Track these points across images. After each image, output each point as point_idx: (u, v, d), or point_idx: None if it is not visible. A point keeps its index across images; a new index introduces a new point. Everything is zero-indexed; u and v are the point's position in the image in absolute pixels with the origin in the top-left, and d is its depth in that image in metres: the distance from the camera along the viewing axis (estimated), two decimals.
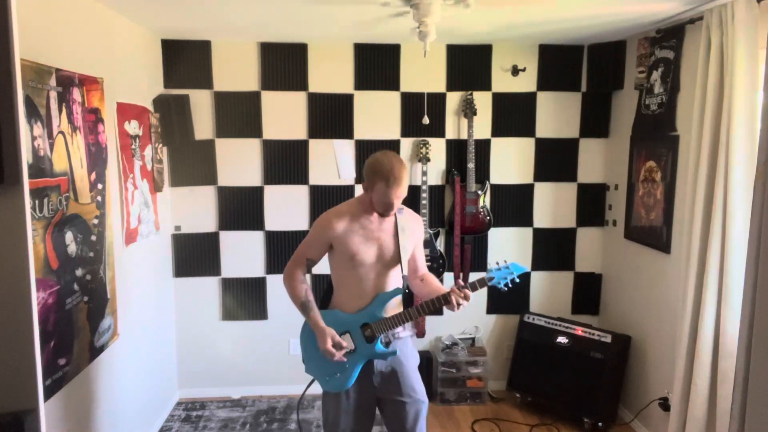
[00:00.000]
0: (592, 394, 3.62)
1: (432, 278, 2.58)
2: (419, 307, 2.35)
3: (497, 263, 2.40)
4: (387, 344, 2.42)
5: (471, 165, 3.93)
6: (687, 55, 3.15)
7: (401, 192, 2.28)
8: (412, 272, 2.57)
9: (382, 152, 2.37)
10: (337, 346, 2.34)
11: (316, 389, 2.65)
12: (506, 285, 2.37)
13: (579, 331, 3.78)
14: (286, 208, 4.01)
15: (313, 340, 2.42)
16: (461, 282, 2.32)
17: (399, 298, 2.46)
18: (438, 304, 2.33)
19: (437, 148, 4.01)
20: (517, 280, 2.37)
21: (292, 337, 4.10)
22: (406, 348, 2.50)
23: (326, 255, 2.49)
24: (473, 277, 4.06)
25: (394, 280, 2.45)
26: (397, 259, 2.41)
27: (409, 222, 2.49)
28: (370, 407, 2.50)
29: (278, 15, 3.09)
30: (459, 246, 4.00)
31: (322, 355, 2.37)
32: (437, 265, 3.96)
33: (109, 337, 2.89)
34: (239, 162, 3.94)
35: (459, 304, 2.28)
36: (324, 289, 2.59)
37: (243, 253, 4.03)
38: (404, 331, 2.48)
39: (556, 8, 2.96)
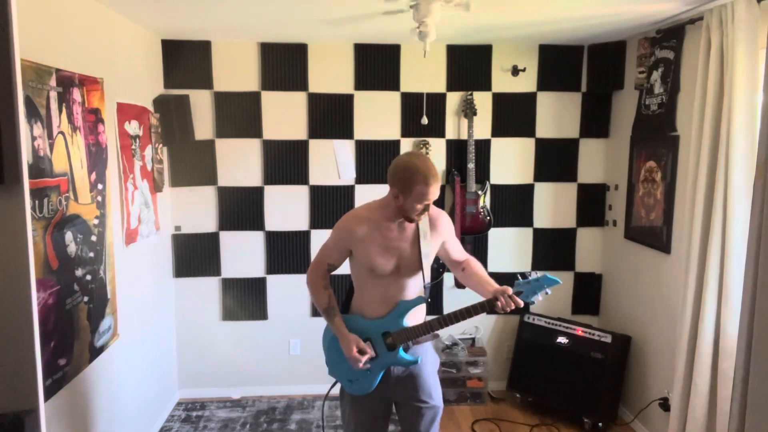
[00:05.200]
0: (592, 395, 3.62)
1: (476, 266, 2.44)
2: (441, 319, 2.27)
3: (527, 275, 2.20)
4: (407, 350, 2.38)
5: (471, 165, 3.93)
6: (687, 56, 3.15)
7: (438, 190, 2.19)
8: (453, 264, 2.50)
9: (407, 154, 2.29)
10: (362, 351, 2.31)
11: (320, 390, 2.65)
12: (536, 299, 2.19)
13: (579, 331, 3.78)
14: (286, 208, 4.01)
15: (336, 344, 2.40)
16: (509, 290, 2.18)
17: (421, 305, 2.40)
18: (469, 314, 2.22)
19: (437, 149, 4.01)
20: (548, 293, 2.19)
21: (292, 338, 4.11)
22: (426, 353, 2.46)
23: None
24: None
25: (416, 288, 2.39)
26: (417, 267, 2.33)
27: (432, 223, 2.36)
28: (386, 410, 2.50)
29: (278, 15, 3.10)
30: None
31: (347, 361, 2.36)
32: (437, 265, 3.96)
33: (109, 338, 2.89)
34: (239, 162, 3.94)
35: (505, 309, 2.16)
36: (346, 290, 2.56)
37: (243, 254, 4.03)
38: (425, 336, 2.42)
39: (556, 8, 2.96)
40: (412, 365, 2.38)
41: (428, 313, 2.51)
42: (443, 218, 2.43)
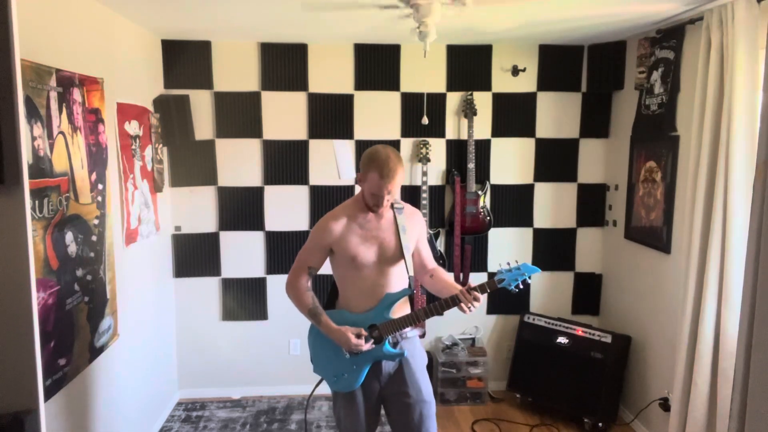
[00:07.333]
0: (592, 395, 3.62)
1: (442, 273, 2.51)
2: (428, 309, 2.31)
3: (508, 263, 2.33)
4: (395, 344, 2.40)
5: (471, 165, 3.93)
6: (687, 56, 3.15)
7: (393, 187, 2.23)
8: (419, 268, 2.53)
9: (383, 145, 2.32)
10: (359, 335, 2.32)
11: (320, 390, 2.64)
12: (517, 287, 2.30)
13: (579, 331, 3.78)
14: (286, 208, 4.01)
15: (321, 340, 2.41)
16: (471, 284, 2.28)
17: (405, 297, 2.44)
18: (447, 306, 2.29)
19: (437, 149, 4.01)
20: (529, 281, 2.30)
21: (292, 338, 4.11)
22: (414, 348, 2.47)
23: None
24: (473, 277, 4.08)
25: (400, 279, 2.42)
26: (399, 256, 2.38)
27: (409, 219, 2.44)
28: (376, 407, 2.50)
29: (278, 15, 3.10)
30: (459, 246, 4.00)
31: (335, 356, 2.37)
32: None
33: (109, 338, 2.89)
34: (239, 162, 3.94)
35: (469, 307, 2.25)
36: (329, 290, 2.57)
37: (243, 254, 4.03)
38: (412, 331, 2.45)
39: (556, 8, 2.96)
40: (399, 358, 2.39)
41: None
42: (418, 216, 2.54)
